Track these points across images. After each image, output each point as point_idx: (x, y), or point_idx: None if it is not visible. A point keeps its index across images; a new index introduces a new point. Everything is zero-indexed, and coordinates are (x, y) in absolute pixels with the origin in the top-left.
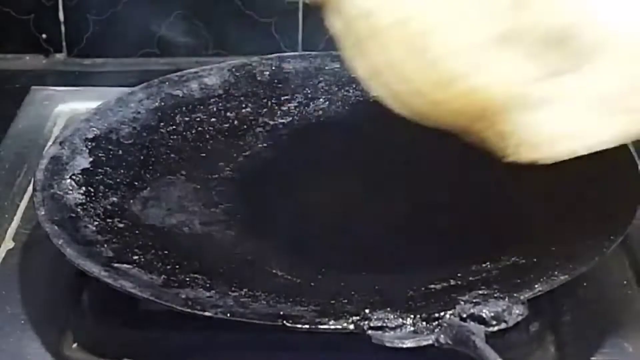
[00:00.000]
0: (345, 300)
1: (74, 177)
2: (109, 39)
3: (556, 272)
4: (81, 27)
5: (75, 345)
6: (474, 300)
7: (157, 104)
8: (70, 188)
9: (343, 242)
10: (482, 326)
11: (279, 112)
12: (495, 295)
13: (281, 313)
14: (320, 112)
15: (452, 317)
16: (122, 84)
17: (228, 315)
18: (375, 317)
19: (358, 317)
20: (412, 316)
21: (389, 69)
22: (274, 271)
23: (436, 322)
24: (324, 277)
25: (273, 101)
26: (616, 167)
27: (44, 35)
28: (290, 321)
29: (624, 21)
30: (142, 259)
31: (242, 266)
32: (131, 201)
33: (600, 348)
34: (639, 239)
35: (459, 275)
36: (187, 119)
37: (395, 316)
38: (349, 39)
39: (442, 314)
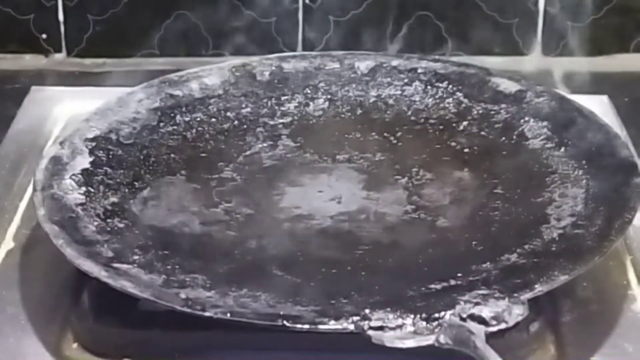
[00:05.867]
0: (345, 300)
1: (74, 177)
2: (109, 39)
3: (556, 272)
4: (81, 27)
5: (75, 345)
6: (474, 300)
7: (157, 104)
8: (70, 188)
9: (343, 242)
10: (482, 326)
11: (279, 112)
12: (495, 295)
13: (281, 313)
14: (320, 112)
15: (452, 317)
16: (122, 84)
17: (228, 315)
18: (375, 317)
19: (358, 317)
20: (412, 316)
21: None
22: (274, 271)
23: (436, 322)
24: (324, 277)
25: (273, 101)
26: (616, 167)
27: (44, 35)
28: (290, 321)
29: None
30: (142, 259)
31: (242, 266)
32: (131, 201)
33: (600, 348)
34: (639, 239)
35: (459, 275)
36: (187, 119)
37: (395, 316)
38: None
39: (442, 314)
